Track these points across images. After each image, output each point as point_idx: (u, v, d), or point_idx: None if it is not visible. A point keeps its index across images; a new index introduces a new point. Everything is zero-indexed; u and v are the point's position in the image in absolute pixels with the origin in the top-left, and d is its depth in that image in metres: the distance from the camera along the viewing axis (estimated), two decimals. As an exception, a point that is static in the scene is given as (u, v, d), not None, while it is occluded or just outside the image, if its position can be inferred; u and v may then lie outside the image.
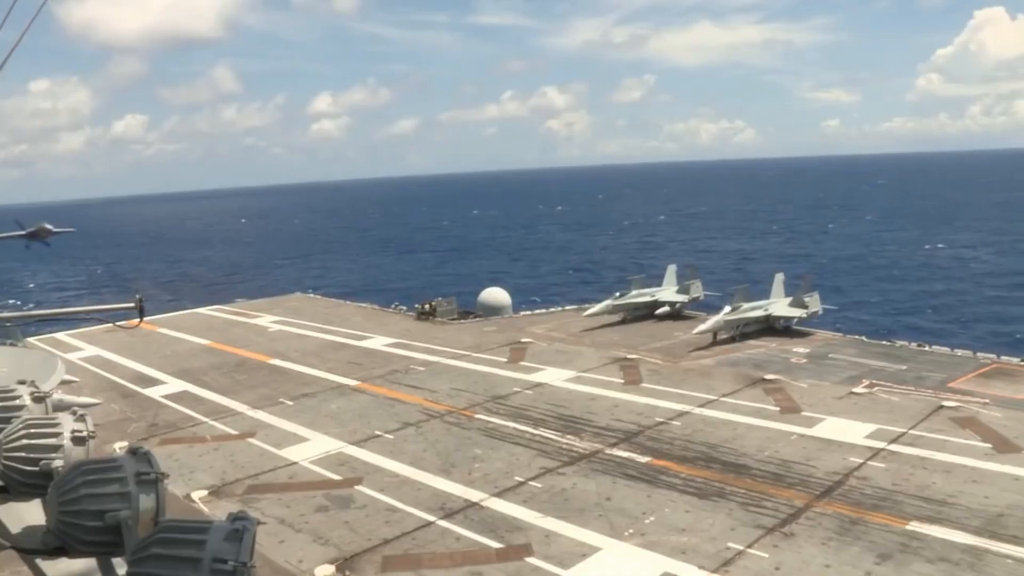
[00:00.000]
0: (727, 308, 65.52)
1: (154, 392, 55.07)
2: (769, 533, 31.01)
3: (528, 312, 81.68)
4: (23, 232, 36.70)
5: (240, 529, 6.23)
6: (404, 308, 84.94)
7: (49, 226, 37.38)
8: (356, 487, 37.11)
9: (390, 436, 44.23)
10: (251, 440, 44.35)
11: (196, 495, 36.37)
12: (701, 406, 47.27)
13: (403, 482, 37.53)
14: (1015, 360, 55.88)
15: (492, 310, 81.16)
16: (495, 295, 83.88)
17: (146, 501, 7.05)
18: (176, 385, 56.72)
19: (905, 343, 62.70)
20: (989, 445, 39.51)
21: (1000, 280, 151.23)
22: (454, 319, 79.19)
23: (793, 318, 67.67)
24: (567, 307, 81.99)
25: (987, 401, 46.33)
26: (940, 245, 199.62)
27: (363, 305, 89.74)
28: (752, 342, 63.61)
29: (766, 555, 29.36)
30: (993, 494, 33.77)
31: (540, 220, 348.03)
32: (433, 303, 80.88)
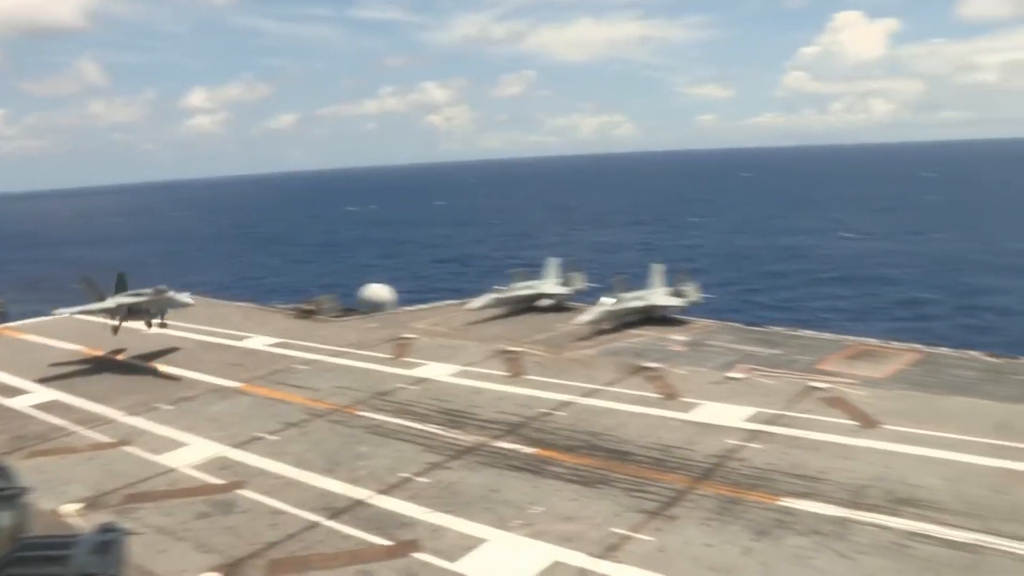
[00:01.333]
0: (607, 299, 67.03)
1: (19, 402, 51.96)
2: (653, 517, 31.95)
3: (410, 308, 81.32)
4: None
5: (108, 541, 5.94)
6: (284, 306, 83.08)
7: None
8: (239, 491, 36.13)
9: (273, 437, 43.25)
10: (128, 448, 42.51)
11: (68, 509, 34.61)
12: (584, 396, 48.22)
13: (288, 484, 36.80)
14: (875, 342, 59.41)
15: (374, 306, 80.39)
16: (377, 291, 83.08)
17: (3, 518, 6.61)
18: (44, 394, 53.67)
19: (779, 329, 65.61)
20: (855, 422, 41.92)
21: (851, 266, 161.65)
22: (336, 316, 78.02)
23: (673, 307, 69.80)
24: (449, 302, 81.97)
25: (853, 381, 49.09)
26: (801, 236, 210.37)
27: (242, 304, 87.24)
28: (633, 331, 65.28)
29: (651, 538, 30.28)
30: (858, 468, 35.91)
31: (418, 215, 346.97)
32: (315, 301, 79.47)
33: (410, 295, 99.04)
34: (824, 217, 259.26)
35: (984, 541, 29.13)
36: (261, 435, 43.61)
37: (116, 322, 61.00)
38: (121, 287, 61.30)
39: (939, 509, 31.59)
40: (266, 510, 34.01)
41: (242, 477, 37.74)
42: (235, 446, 42.06)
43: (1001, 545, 28.81)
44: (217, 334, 70.08)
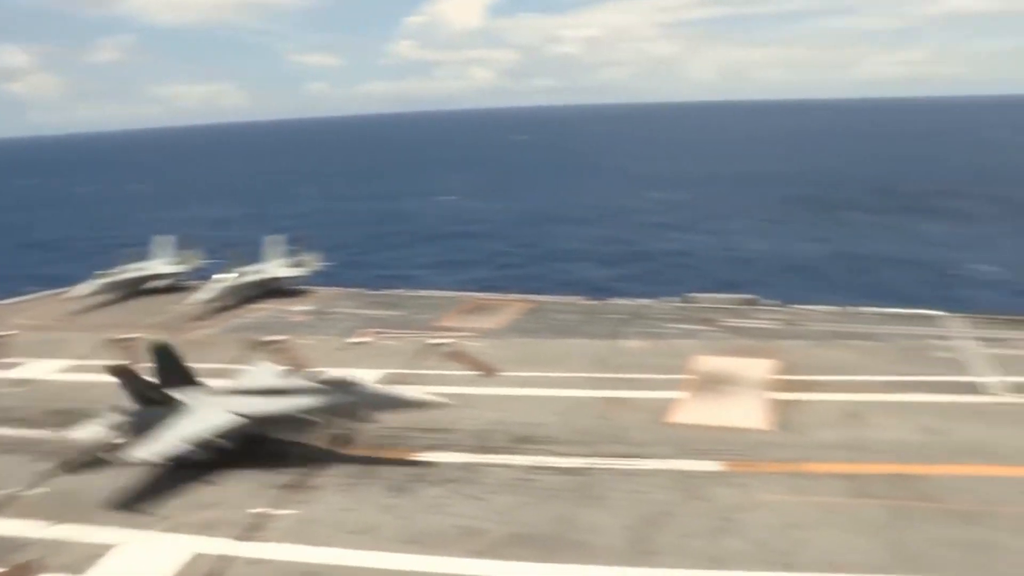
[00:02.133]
0: (223, 276, 64.63)
1: None
2: (294, 490, 31.77)
3: (3, 302, 71.55)
4: None
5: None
6: None
7: None
8: None
9: None
10: None
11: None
12: (212, 376, 46.08)
13: None
14: (488, 296, 64.04)
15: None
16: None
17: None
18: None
19: (399, 291, 67.91)
20: (476, 372, 44.92)
21: (450, 224, 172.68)
22: None
23: (292, 278, 69.09)
24: (48, 292, 73.50)
25: (471, 334, 52.50)
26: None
27: None
28: (253, 306, 63.69)
29: (293, 512, 30.21)
30: (482, 415, 38.87)
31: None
32: None
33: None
34: (428, 180, 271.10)
35: (593, 463, 33.11)
36: None
37: None
38: None
39: (554, 442, 35.31)
40: None
41: None
42: None
43: (607, 464, 32.93)
44: None
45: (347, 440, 35.92)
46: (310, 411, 34.91)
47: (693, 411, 39.02)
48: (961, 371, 44.23)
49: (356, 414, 35.66)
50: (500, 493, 31.11)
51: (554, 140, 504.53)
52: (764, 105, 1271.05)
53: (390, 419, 37.85)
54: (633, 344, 50.19)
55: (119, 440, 34.42)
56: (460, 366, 46.46)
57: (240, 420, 34.63)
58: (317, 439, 35.62)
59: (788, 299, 61.88)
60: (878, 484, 31.16)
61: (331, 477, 32.99)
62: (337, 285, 70.98)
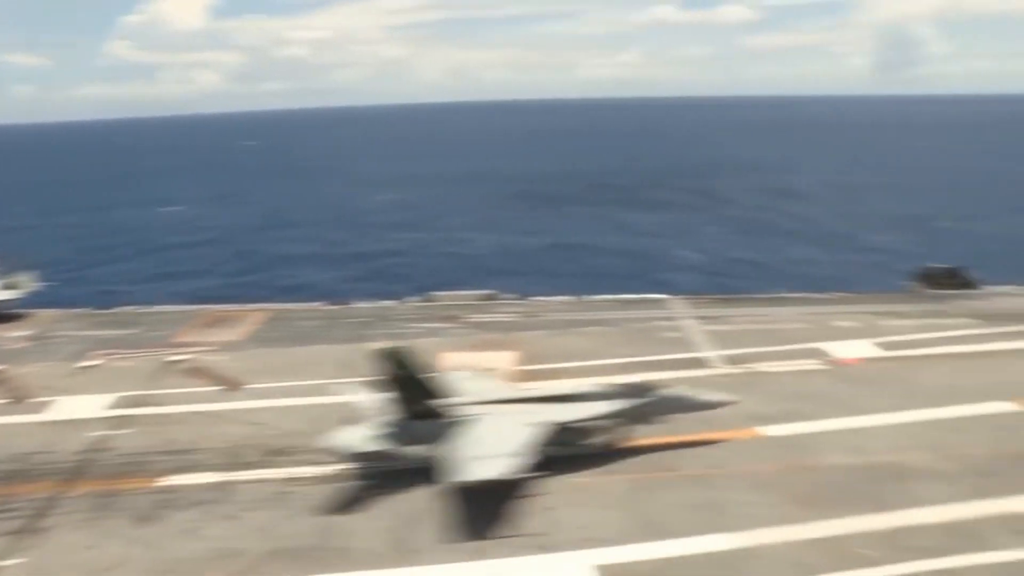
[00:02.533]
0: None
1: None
2: (21, 536, 28.83)
3: None
4: None
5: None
6: None
7: None
8: None
9: None
10: None
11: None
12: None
13: None
14: (227, 307, 61.52)
15: None
16: None
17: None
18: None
19: (129, 308, 63.44)
20: (220, 387, 43.05)
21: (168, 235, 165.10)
22: None
23: (7, 301, 62.25)
24: None
25: (212, 348, 50.18)
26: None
27: None
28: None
29: (24, 560, 27.37)
30: (230, 431, 37.31)
31: None
32: None
33: None
34: (153, 189, 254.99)
35: (350, 468, 32.72)
36: None
37: None
38: None
39: (309, 451, 34.45)
40: None
41: None
42: None
43: (363, 468, 32.70)
44: None
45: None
46: (608, 416, 34.31)
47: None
48: (687, 348, 48.51)
49: (649, 417, 35.00)
50: (256, 509, 30.07)
51: (285, 144, 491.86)
52: (491, 105, 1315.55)
53: (125, 446, 35.59)
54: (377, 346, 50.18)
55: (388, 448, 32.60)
56: (202, 382, 44.28)
57: (550, 428, 32.69)
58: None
59: (518, 291, 64.99)
60: (622, 460, 33.49)
61: (66, 515, 30.24)
62: (58, 306, 64.92)
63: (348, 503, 30.46)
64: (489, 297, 62.44)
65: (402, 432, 33.29)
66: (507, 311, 58.64)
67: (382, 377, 33.56)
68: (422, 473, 31.14)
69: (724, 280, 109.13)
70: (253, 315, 58.96)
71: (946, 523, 28.37)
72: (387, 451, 32.71)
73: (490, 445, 31.11)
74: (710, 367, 45.34)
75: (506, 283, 71.14)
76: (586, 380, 39.29)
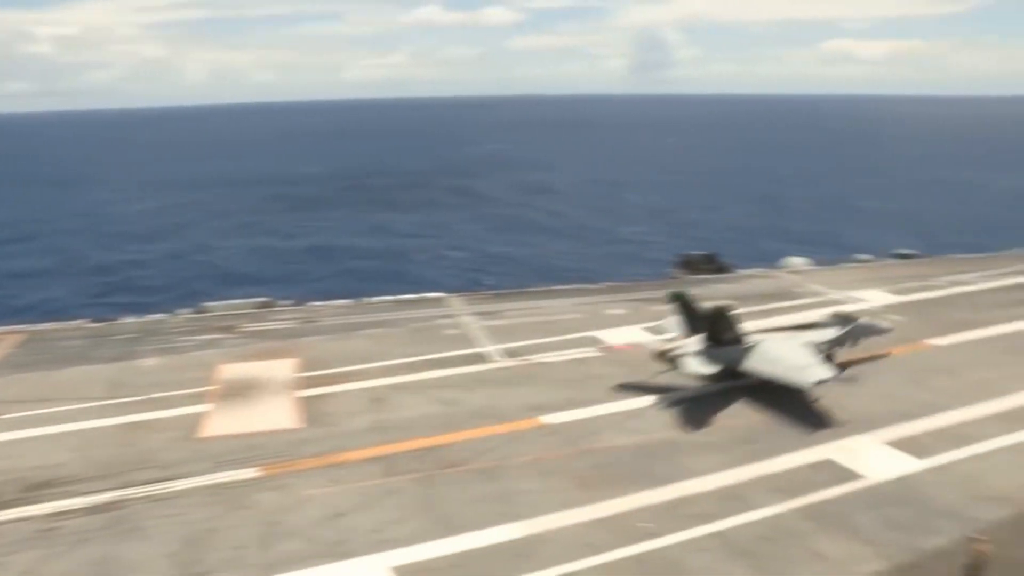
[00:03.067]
0: None
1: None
2: None
3: None
4: None
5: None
6: None
7: None
8: None
9: None
10: None
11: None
12: None
13: None
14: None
15: None
16: None
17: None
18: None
19: None
20: (-39, 421, 38.57)
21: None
22: None
23: None
24: None
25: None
26: None
27: None
28: None
29: None
30: (-24, 467, 33.33)
31: None
32: None
33: None
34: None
35: (124, 495, 30.45)
36: None
37: None
38: None
39: (76, 481, 31.73)
40: None
41: None
42: None
43: (139, 493, 30.53)
44: None
45: None
46: (838, 340, 43.80)
47: (223, 422, 37.76)
48: (467, 344, 49.09)
49: (857, 342, 44.82)
50: (19, 551, 26.93)
51: (25, 151, 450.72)
52: (256, 107, 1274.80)
53: None
54: (149, 363, 47.06)
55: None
56: (-60, 415, 39.46)
57: (817, 347, 41.80)
58: None
59: (276, 295, 63.24)
60: (409, 460, 33.32)
61: None
62: None
63: (126, 531, 28.18)
64: (264, 305, 60.07)
65: (714, 356, 40.01)
66: (284, 318, 56.70)
67: (678, 315, 41.56)
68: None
69: (487, 276, 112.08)
70: (4, 338, 53.29)
71: (716, 490, 30.71)
72: (719, 371, 39.87)
73: (800, 358, 39.80)
74: (492, 361, 46.15)
75: (266, 289, 69.03)
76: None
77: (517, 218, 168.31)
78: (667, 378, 40.99)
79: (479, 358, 46.70)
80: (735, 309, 41.50)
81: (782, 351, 40.56)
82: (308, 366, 45.25)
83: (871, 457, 33.72)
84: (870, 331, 45.64)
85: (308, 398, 40.44)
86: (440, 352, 47.47)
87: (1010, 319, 54.90)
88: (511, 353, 47.41)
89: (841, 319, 45.19)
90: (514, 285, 71.39)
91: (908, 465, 33.10)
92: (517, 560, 26.00)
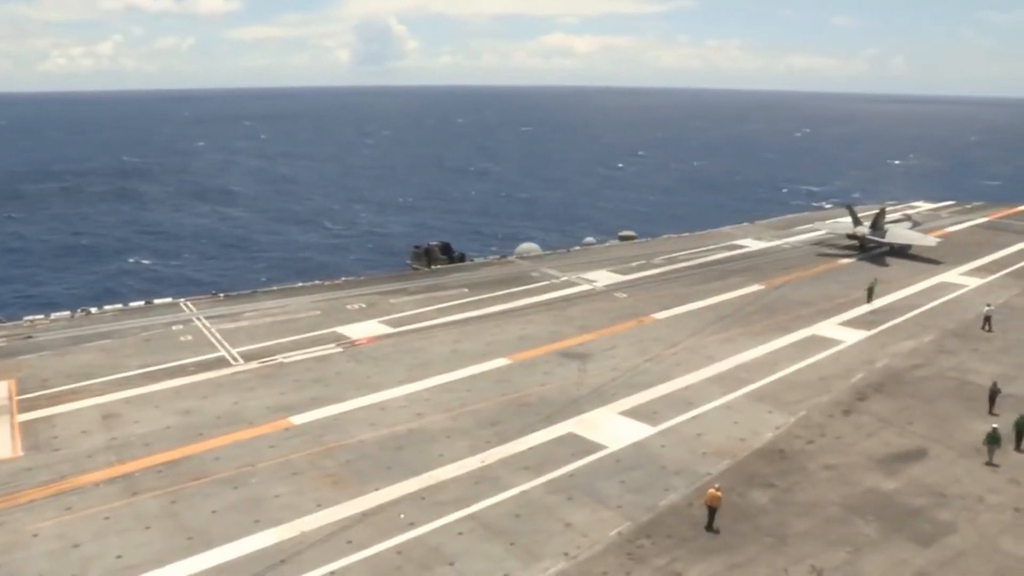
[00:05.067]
0: None
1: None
2: None
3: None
4: None
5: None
6: None
7: None
8: None
9: None
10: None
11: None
12: None
13: None
14: None
15: None
16: None
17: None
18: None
19: None
20: None
21: None
22: None
23: None
24: None
25: None
26: None
27: None
28: None
29: None
30: None
31: None
32: None
33: None
34: None
35: None
36: None
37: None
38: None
39: None
40: None
41: None
42: None
43: None
44: None
45: None
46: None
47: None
48: (205, 350, 47.16)
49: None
50: None
51: None
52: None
53: None
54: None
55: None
56: None
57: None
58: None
59: None
60: (150, 477, 31.67)
61: None
62: None
63: None
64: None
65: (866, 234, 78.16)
66: (-7, 336, 51.34)
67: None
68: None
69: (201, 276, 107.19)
70: None
71: (469, 473, 32.05)
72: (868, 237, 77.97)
73: (916, 236, 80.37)
74: (232, 365, 44.75)
75: None
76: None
77: (181, 226, 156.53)
78: (403, 371, 41.94)
79: (219, 363, 45.08)
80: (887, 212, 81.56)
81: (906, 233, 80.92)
82: (26, 387, 41.32)
83: (609, 428, 36.69)
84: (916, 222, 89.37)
85: (28, 422, 36.94)
86: (176, 360, 45.21)
87: (717, 292, 61.55)
88: (252, 356, 46.22)
89: (907, 217, 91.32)
90: (226, 287, 69.20)
91: (642, 431, 36.43)
92: (277, 567, 25.73)
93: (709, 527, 28.63)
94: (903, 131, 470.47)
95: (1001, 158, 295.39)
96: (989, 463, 33.82)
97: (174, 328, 51.63)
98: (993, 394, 39.49)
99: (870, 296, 59.64)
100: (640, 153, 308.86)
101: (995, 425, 34.81)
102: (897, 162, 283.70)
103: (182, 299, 58.60)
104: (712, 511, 28.88)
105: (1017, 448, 35.23)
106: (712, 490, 29.01)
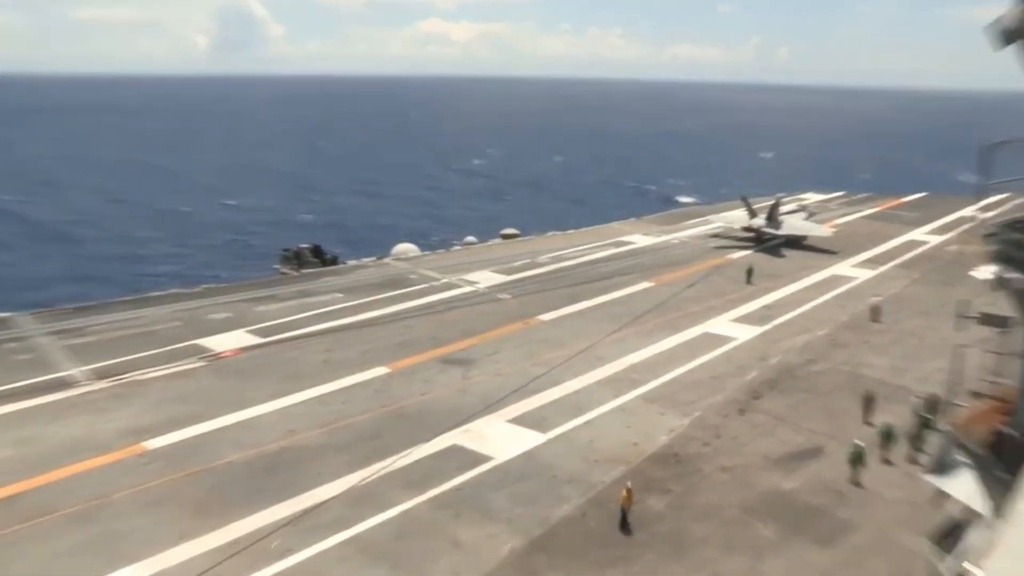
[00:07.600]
0: None
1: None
2: None
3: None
4: None
5: None
6: None
7: None
8: None
9: None
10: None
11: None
12: None
13: None
14: None
15: None
16: None
17: None
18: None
19: None
20: None
21: None
22: None
23: None
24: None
25: None
26: None
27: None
28: None
29: None
30: None
31: None
32: None
33: None
34: None
35: None
36: None
37: None
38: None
39: None
40: None
41: None
42: None
43: None
44: None
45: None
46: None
47: None
48: (46, 370, 43.31)
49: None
50: None
51: None
52: None
53: None
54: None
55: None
56: None
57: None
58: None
59: None
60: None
61: None
62: None
63: None
64: None
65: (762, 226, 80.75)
66: None
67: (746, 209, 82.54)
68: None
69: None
70: None
71: (347, 492, 30.11)
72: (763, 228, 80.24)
73: (811, 227, 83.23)
74: (78, 386, 41.19)
75: None
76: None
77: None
78: (274, 384, 39.61)
79: (62, 384, 41.39)
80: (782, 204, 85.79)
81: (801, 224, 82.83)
82: None
83: (497, 437, 35.41)
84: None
85: None
86: (10, 383, 41.23)
87: (606, 290, 61.30)
88: (102, 374, 42.75)
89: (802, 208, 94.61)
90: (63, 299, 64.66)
91: (532, 440, 35.33)
92: (131, 610, 23.35)
93: (622, 527, 28.62)
94: (779, 122, 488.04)
95: (870, 153, 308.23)
96: (886, 461, 34.17)
97: (8, 346, 47.33)
98: (869, 400, 38.71)
99: (749, 277, 63.55)
100: (489, 151, 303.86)
101: (888, 421, 35.30)
102: (769, 155, 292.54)
103: (17, 313, 53.93)
104: (623, 512, 28.63)
105: (885, 460, 34.23)
106: (626, 490, 28.95)
